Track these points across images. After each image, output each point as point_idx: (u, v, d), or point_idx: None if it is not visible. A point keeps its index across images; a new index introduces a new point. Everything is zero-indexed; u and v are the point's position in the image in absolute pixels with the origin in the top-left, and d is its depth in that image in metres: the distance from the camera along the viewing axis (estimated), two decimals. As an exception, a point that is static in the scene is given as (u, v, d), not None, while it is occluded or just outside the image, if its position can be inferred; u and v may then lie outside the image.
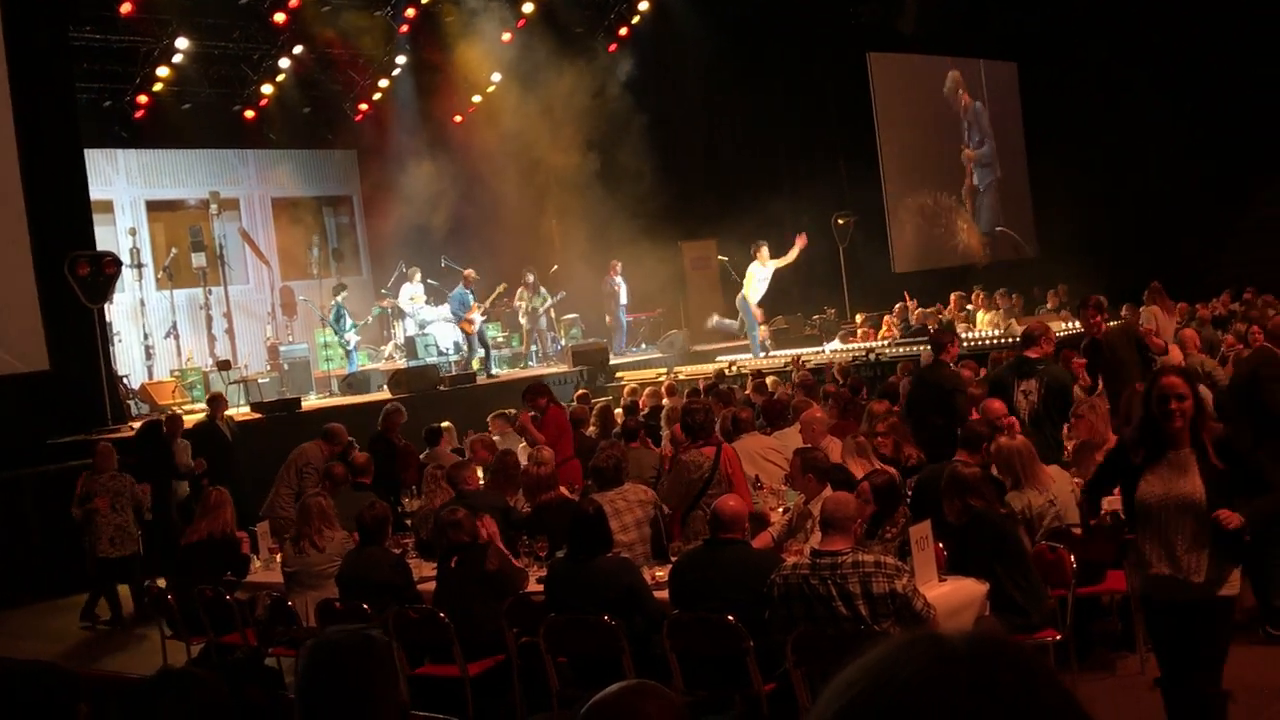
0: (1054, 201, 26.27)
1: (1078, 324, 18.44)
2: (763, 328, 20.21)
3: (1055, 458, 8.71)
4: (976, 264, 26.54)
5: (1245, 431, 7.56)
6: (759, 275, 19.42)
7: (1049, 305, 21.99)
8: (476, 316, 19.07)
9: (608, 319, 21.88)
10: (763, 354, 19.50)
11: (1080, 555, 6.93)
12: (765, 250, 19.53)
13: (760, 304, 19.75)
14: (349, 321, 19.13)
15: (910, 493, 7.90)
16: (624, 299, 21.78)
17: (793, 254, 19.74)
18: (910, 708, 0.84)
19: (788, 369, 16.74)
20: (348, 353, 19.17)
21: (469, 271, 19.38)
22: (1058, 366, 9.72)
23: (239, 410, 15.69)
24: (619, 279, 21.64)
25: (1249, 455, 5.39)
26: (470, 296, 19.07)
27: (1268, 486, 5.21)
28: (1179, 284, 22.81)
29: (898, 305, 21.22)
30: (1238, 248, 28.00)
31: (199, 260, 19.03)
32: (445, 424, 13.14)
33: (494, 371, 19.55)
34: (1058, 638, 6.55)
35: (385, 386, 17.59)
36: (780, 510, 8.39)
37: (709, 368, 18.66)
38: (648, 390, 14.72)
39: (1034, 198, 28.29)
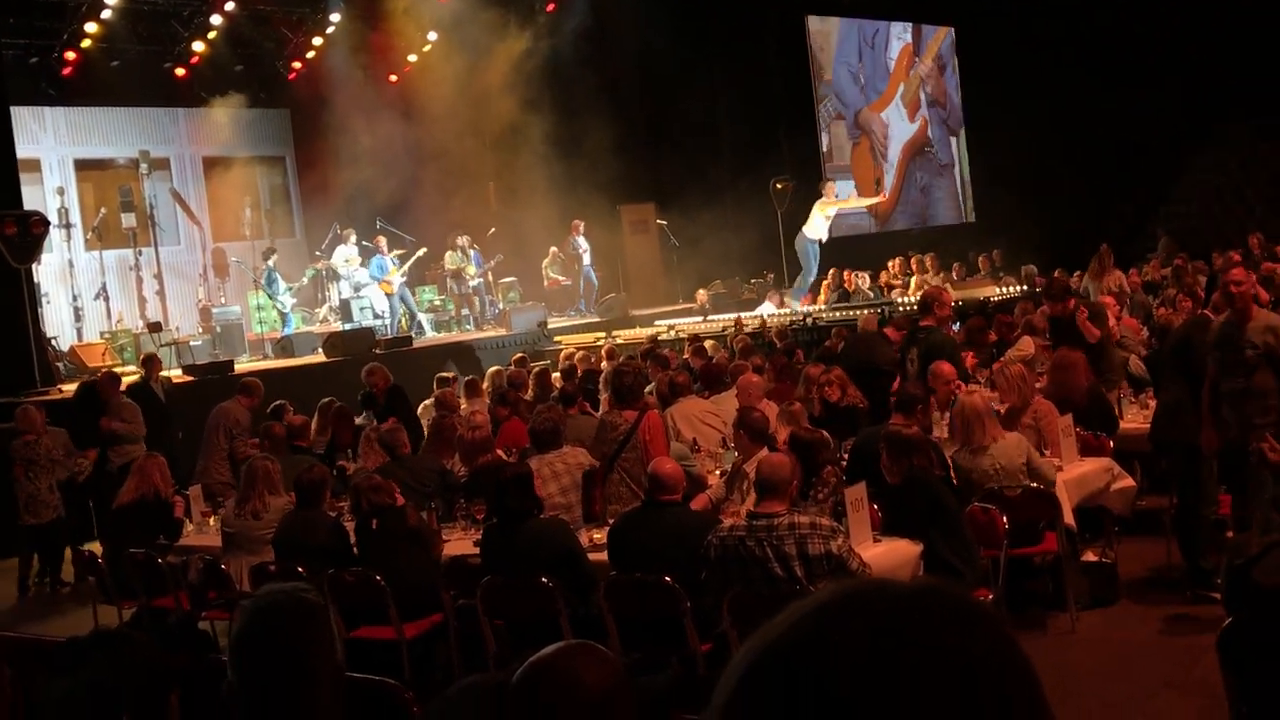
0: (992, 166, 26.48)
1: (1011, 289, 18.78)
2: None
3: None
4: (915, 229, 26.72)
5: (1181, 394, 7.71)
6: (821, 215, 18.91)
7: (982, 271, 22.18)
8: (396, 279, 19.03)
9: (564, 280, 21.83)
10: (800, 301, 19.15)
11: (1013, 517, 7.05)
12: (832, 186, 19.16)
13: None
14: (282, 284, 18.94)
15: (846, 455, 7.98)
16: (588, 259, 21.73)
17: (861, 201, 19.39)
18: (813, 655, 0.84)
19: (725, 333, 16.79)
20: (283, 315, 19.00)
21: (380, 238, 19.33)
22: (938, 333, 10.08)
23: (171, 373, 15.51)
24: (581, 239, 21.61)
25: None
26: (387, 261, 19.02)
27: None
28: (1114, 249, 23.08)
29: (831, 271, 21.30)
30: (1172, 212, 28.45)
31: (129, 221, 18.69)
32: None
33: (426, 333, 19.52)
34: (990, 597, 6.67)
35: (320, 349, 17.45)
36: (718, 473, 8.44)
37: (647, 331, 18.66)
38: (579, 355, 14.69)
39: (972, 163, 28.50)
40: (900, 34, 28.11)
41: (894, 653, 0.83)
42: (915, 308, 10.80)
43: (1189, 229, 26.90)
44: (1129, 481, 8.04)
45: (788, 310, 19.64)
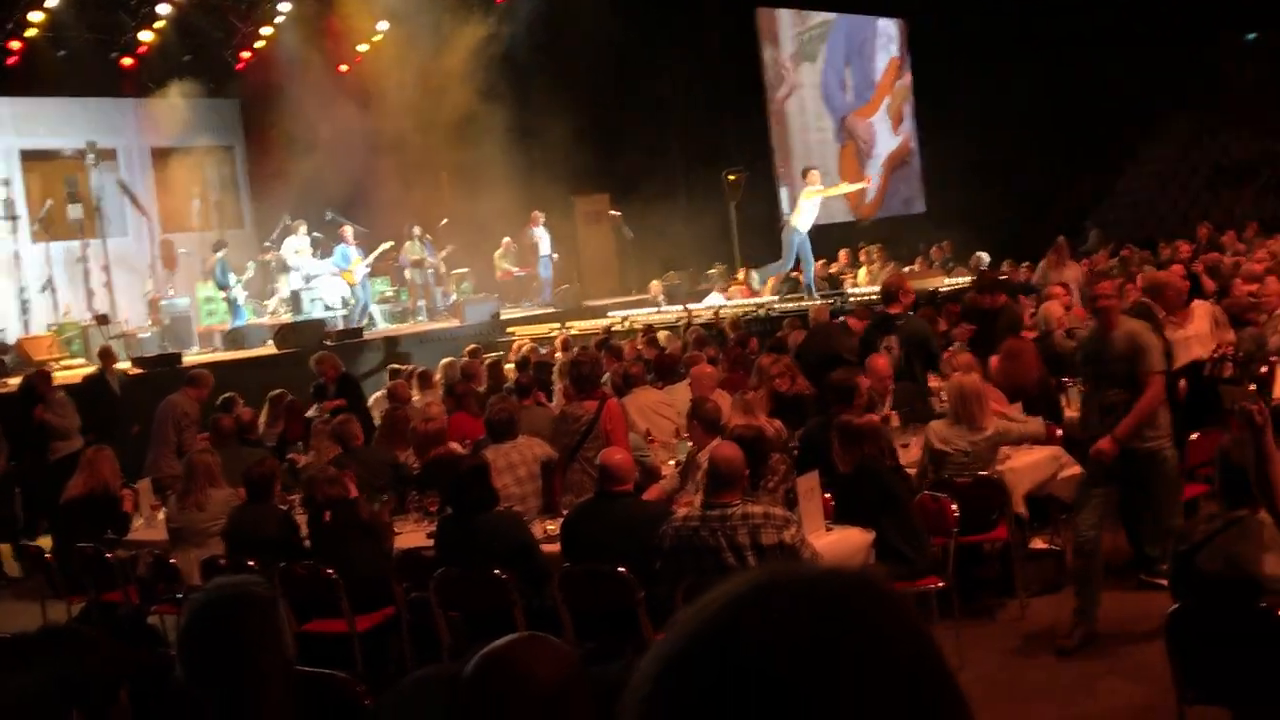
0: (942, 157, 26.65)
1: (960, 281, 18.91)
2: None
3: (925, 407, 9.09)
4: (864, 220, 26.83)
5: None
6: (808, 204, 18.82)
7: (934, 261, 22.28)
8: (359, 269, 18.89)
9: (517, 271, 21.75)
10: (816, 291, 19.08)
11: (963, 505, 7.10)
12: (816, 174, 19.01)
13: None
14: (234, 276, 18.75)
15: (797, 446, 8.01)
16: (545, 249, 21.66)
17: (846, 187, 19.22)
18: (728, 660, 0.84)
19: (679, 323, 16.81)
20: (234, 307, 18.77)
21: (345, 229, 19.19)
22: (916, 319, 10.21)
23: (121, 366, 15.34)
24: (540, 229, 21.54)
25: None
26: (352, 251, 18.86)
27: None
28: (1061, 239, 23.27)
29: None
30: (1117, 204, 28.78)
31: (75, 212, 18.42)
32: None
33: (378, 326, 19.41)
34: (940, 585, 6.72)
35: (270, 341, 17.31)
36: (672, 464, 8.45)
37: (602, 322, 18.64)
38: (529, 347, 14.66)
39: (922, 154, 28.66)
40: (886, 45, 28.33)
41: (831, 635, 0.84)
42: (879, 297, 10.91)
43: (1135, 219, 27.24)
44: (1077, 469, 8.12)
45: (739, 301, 19.68)
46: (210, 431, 10.35)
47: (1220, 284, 12.44)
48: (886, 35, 28.56)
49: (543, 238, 21.54)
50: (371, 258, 19.35)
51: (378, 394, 12.28)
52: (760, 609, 0.85)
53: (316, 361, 12.62)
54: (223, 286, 18.63)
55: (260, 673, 2.36)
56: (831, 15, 27.27)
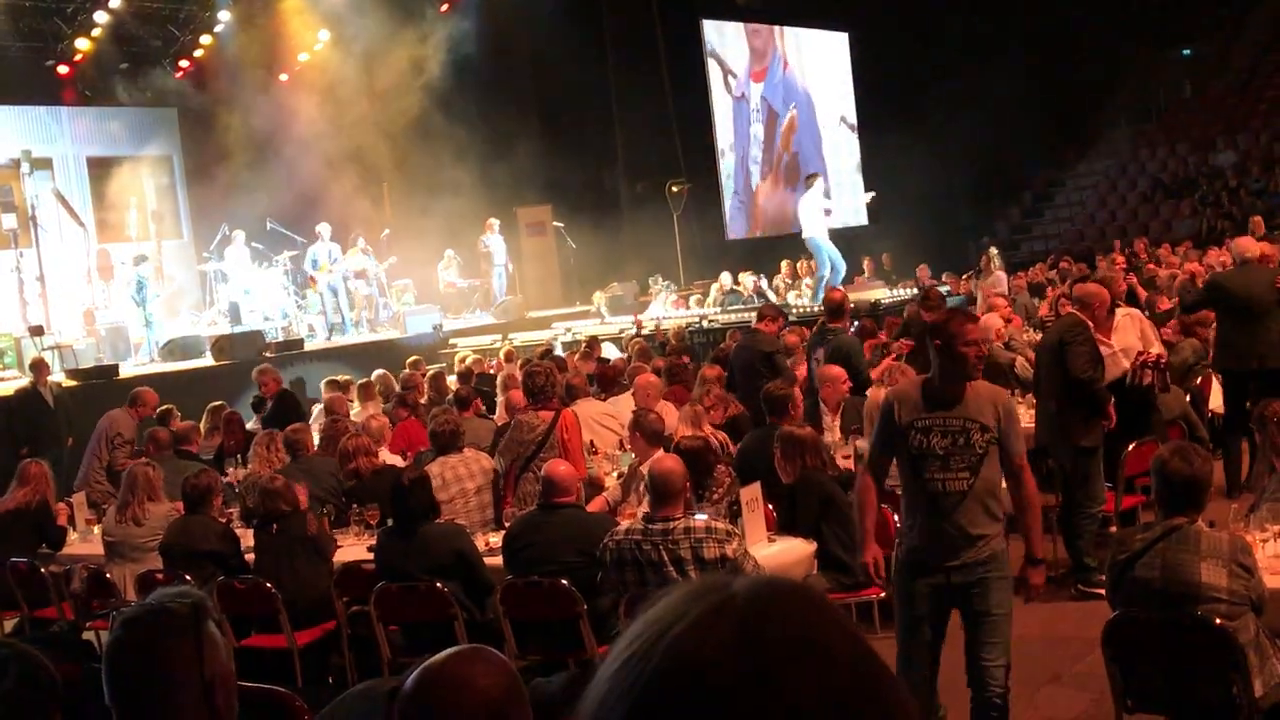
0: (883, 170, 26.86)
1: (899, 291, 19.07)
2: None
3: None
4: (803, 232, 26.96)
5: (1052, 395, 7.88)
6: (813, 207, 18.73)
7: (866, 274, 22.37)
8: (339, 267, 18.89)
9: (459, 283, 21.70)
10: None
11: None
12: (819, 182, 18.91)
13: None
14: (151, 292, 18.27)
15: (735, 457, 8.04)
16: (500, 258, 21.60)
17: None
18: (685, 651, 0.86)
19: (622, 335, 16.83)
20: (148, 323, 18.26)
21: (318, 229, 19.26)
22: (845, 335, 10.36)
23: (55, 378, 15.11)
24: (495, 237, 21.55)
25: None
26: (324, 254, 18.79)
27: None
28: (1001, 252, 23.59)
29: (724, 274, 21.49)
30: (1056, 216, 29.16)
31: (9, 221, 18.17)
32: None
33: (318, 337, 19.33)
34: (881, 595, 6.75)
35: (208, 353, 17.13)
36: (615, 475, 8.44)
37: (545, 334, 18.62)
38: (473, 359, 14.61)
39: (864, 167, 28.85)
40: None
41: (774, 637, 0.87)
42: (824, 311, 11.01)
43: (1075, 232, 27.61)
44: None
45: (683, 312, 19.76)
46: (147, 443, 10.23)
47: (1150, 296, 12.67)
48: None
49: (497, 247, 21.50)
50: (343, 261, 19.30)
51: (318, 407, 12.16)
52: (709, 616, 0.87)
53: (258, 373, 12.51)
54: (139, 304, 18.11)
55: (172, 688, 2.34)
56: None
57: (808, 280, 21.21)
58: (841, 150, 28.77)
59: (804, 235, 18.72)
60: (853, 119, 29.13)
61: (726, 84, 26.18)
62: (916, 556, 5.20)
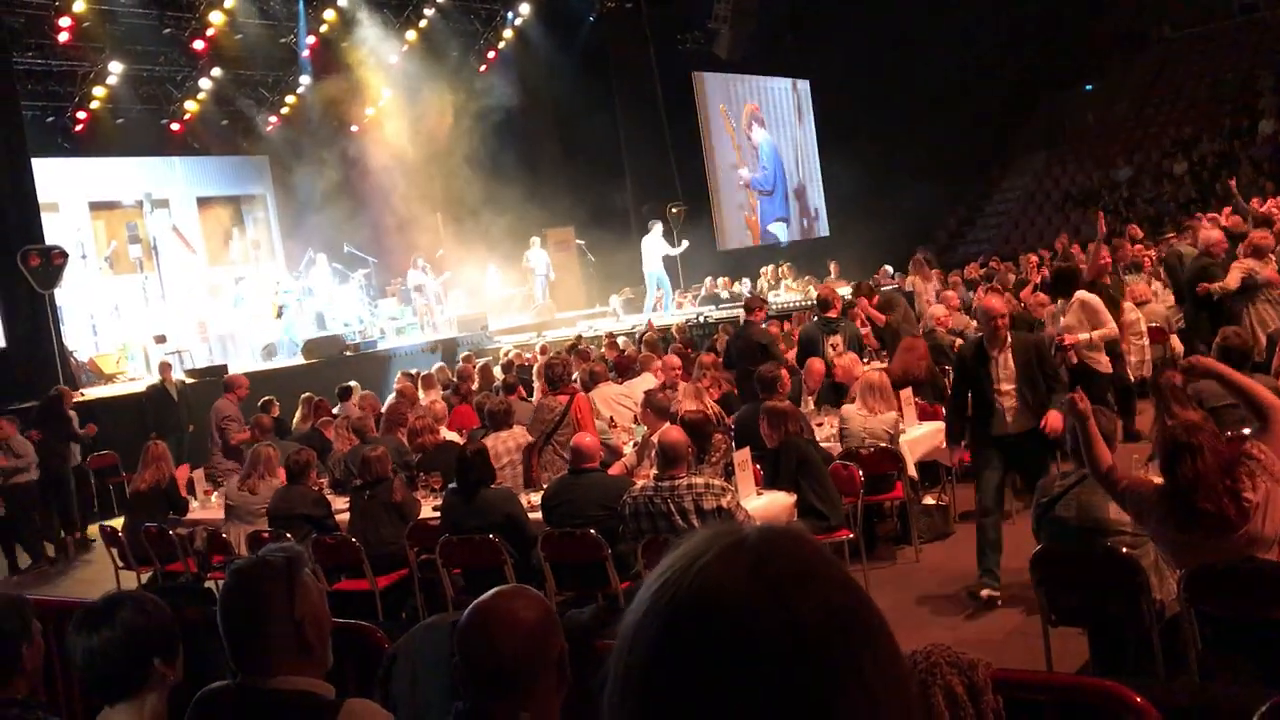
0: (841, 191, 26.78)
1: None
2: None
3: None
4: (780, 242, 26.93)
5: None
6: (653, 246, 19.16)
7: (832, 275, 22.22)
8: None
9: (507, 291, 21.67)
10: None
11: (868, 470, 7.15)
12: (659, 225, 19.52)
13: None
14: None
15: (732, 426, 8.03)
16: (541, 269, 21.52)
17: None
18: (712, 574, 0.87)
19: (635, 331, 16.85)
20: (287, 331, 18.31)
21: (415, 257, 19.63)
22: (851, 323, 10.26)
23: (178, 377, 15.17)
24: (537, 250, 21.50)
25: None
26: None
27: None
28: (940, 255, 23.55)
29: (707, 279, 21.61)
30: (985, 224, 29.03)
31: (136, 251, 18.32)
32: (353, 383, 12.92)
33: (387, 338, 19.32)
34: (850, 536, 6.76)
35: (300, 353, 17.18)
36: (631, 445, 8.45)
37: (571, 332, 18.62)
38: (515, 352, 14.66)
39: (825, 188, 28.76)
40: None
41: (781, 570, 0.88)
42: (816, 305, 11.19)
43: (1001, 237, 27.49)
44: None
45: (685, 311, 19.76)
46: (253, 427, 10.27)
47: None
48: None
49: (538, 260, 21.49)
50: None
51: (391, 397, 12.11)
52: (729, 550, 0.89)
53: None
54: (279, 313, 18.30)
55: (268, 621, 2.38)
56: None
57: (787, 282, 21.18)
58: (809, 177, 28.65)
59: (644, 269, 20.15)
60: (815, 153, 28.96)
61: (728, 124, 26.14)
62: None
